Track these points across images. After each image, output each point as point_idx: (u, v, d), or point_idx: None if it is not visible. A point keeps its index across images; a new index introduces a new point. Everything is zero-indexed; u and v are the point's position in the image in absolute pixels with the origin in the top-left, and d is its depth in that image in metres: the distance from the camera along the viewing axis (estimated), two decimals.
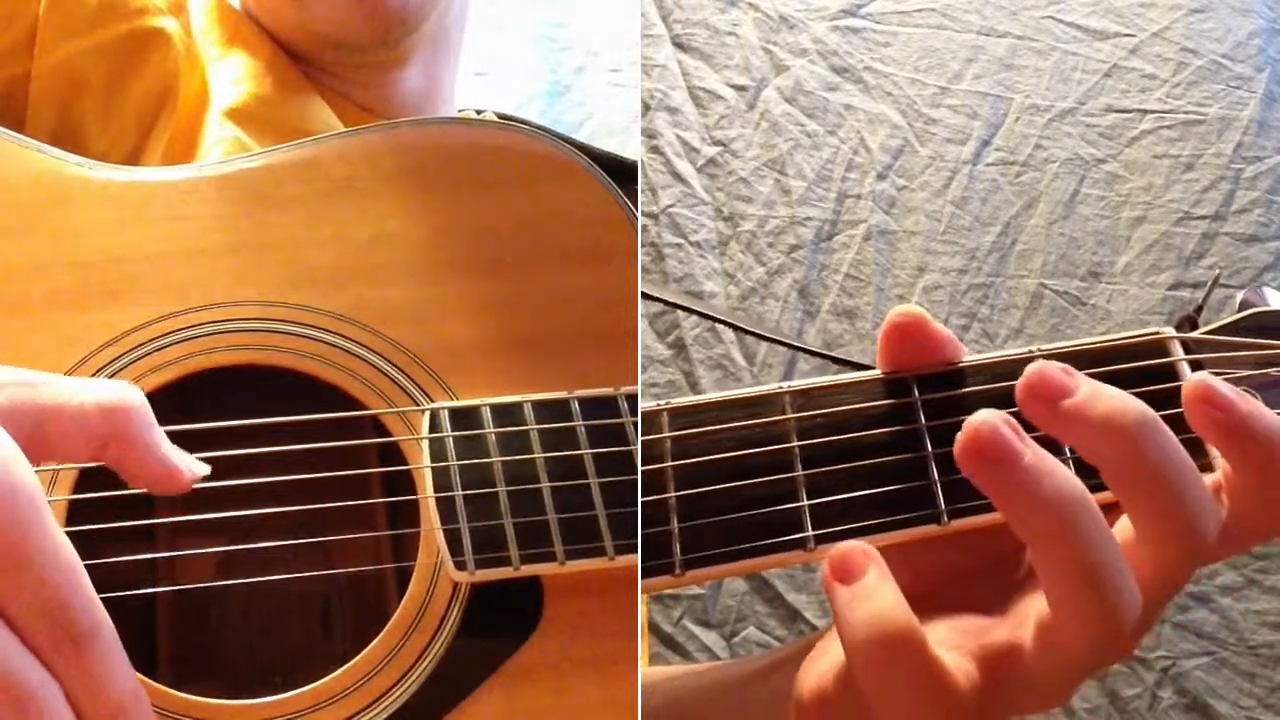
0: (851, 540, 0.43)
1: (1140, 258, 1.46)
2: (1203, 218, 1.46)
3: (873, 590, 0.41)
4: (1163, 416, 0.45)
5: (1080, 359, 0.48)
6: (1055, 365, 0.42)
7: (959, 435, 0.40)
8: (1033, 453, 0.40)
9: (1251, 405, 0.43)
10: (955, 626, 0.44)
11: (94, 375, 0.53)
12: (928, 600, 0.44)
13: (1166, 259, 1.45)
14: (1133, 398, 0.41)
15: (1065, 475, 0.40)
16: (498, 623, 0.52)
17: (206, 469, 0.46)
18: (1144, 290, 1.45)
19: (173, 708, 0.49)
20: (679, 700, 0.57)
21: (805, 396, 0.47)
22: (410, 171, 0.59)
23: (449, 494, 0.52)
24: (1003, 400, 0.47)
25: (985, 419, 0.40)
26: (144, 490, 0.45)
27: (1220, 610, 1.38)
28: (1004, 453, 0.40)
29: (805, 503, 0.45)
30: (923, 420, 0.47)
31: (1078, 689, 0.44)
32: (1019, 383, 0.42)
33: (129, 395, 0.44)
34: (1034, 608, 0.43)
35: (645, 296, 0.64)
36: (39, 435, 0.42)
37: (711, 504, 0.46)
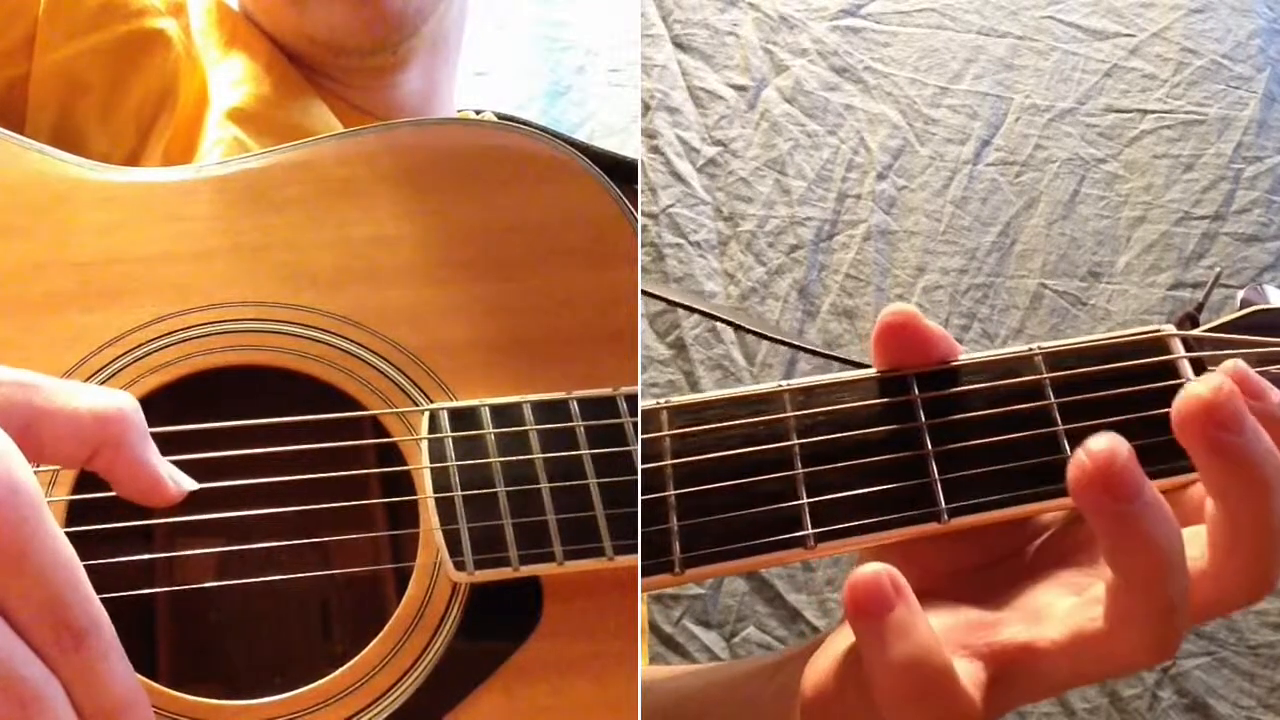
0: (873, 566, 0.41)
1: (1140, 258, 1.46)
2: (1203, 218, 1.46)
3: (904, 626, 0.40)
4: (1160, 414, 0.45)
5: (1082, 357, 0.48)
6: (1237, 392, 0.41)
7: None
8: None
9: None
10: (958, 621, 0.44)
11: (93, 375, 0.53)
12: (928, 595, 0.44)
13: (1166, 259, 1.45)
14: None
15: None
16: (497, 623, 0.52)
17: (194, 484, 0.47)
18: (1144, 290, 1.45)
19: (172, 708, 0.49)
20: (683, 700, 0.57)
21: (805, 394, 0.47)
22: (409, 172, 0.59)
23: (448, 494, 0.52)
24: (1003, 398, 0.47)
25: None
26: (130, 499, 0.46)
27: None
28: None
29: (805, 500, 0.45)
30: (923, 418, 0.47)
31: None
32: (1198, 397, 0.40)
33: (124, 403, 0.44)
34: (1051, 604, 0.43)
35: (645, 294, 0.64)
36: (32, 436, 0.42)
37: (711, 502, 0.46)
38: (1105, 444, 0.39)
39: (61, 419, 0.43)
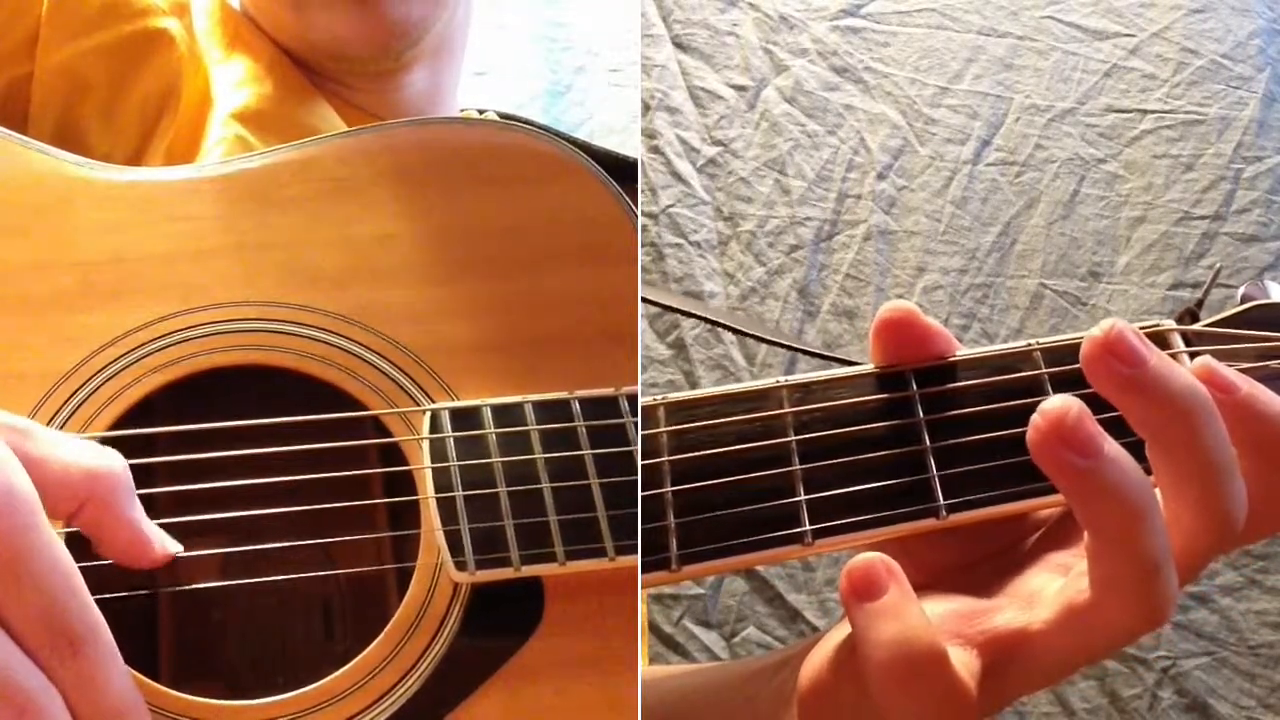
0: (870, 553, 0.42)
1: (1140, 258, 1.46)
2: (1203, 218, 1.46)
3: (897, 609, 0.41)
4: None
5: (1080, 352, 0.48)
6: (1132, 330, 0.41)
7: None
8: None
9: (1253, 385, 0.43)
10: (952, 610, 0.44)
11: (95, 375, 0.53)
12: (925, 589, 0.44)
13: (1166, 259, 1.45)
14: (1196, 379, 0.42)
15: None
16: (498, 623, 0.52)
17: (179, 548, 0.46)
18: (1144, 290, 1.45)
19: (173, 708, 0.49)
20: (682, 700, 0.57)
21: (802, 391, 0.47)
22: (410, 171, 0.59)
23: (449, 494, 0.52)
24: (1001, 393, 0.47)
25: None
26: (113, 560, 0.45)
27: (1220, 610, 1.38)
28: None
29: (802, 497, 0.45)
30: (920, 414, 0.47)
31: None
32: (1092, 339, 0.41)
33: (114, 462, 0.44)
34: (1043, 588, 0.43)
35: (644, 301, 0.64)
36: None
37: (708, 499, 0.45)
38: (1058, 402, 0.40)
39: (51, 469, 0.42)
